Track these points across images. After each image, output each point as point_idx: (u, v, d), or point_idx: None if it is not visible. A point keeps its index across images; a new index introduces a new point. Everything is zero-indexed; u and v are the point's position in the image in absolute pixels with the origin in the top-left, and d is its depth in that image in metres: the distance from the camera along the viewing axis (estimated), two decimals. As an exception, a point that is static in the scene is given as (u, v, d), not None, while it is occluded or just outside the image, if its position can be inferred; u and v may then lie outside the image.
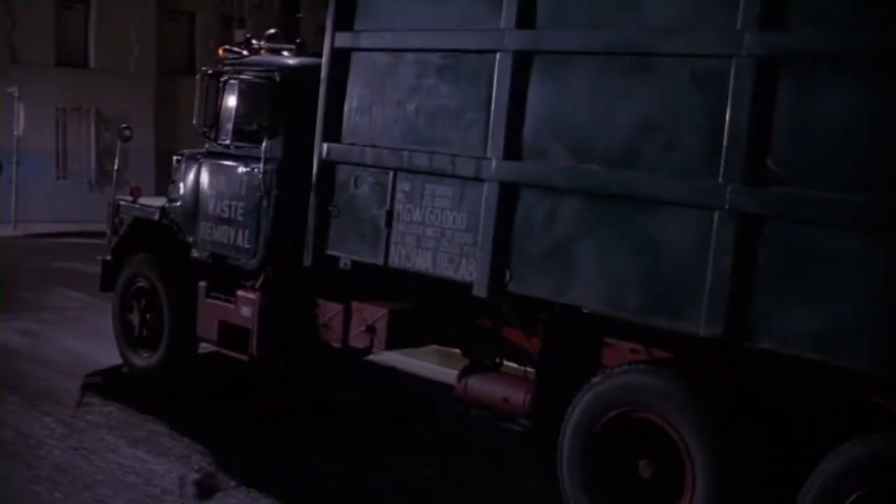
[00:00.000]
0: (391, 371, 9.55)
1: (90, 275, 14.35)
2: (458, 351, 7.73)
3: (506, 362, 7.09)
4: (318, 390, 8.85)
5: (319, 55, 7.92)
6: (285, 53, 8.21)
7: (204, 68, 8.02)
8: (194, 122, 7.99)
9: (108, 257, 9.08)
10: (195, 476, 6.53)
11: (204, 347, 8.56)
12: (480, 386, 6.75)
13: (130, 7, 22.79)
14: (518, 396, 6.51)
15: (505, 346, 6.86)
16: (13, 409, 7.69)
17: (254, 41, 8.26)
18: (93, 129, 22.84)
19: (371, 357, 8.52)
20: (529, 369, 6.82)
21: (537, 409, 6.34)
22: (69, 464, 6.61)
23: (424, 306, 7.13)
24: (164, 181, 16.84)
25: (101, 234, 18.87)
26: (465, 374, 6.90)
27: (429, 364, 9.49)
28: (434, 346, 8.35)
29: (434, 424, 8.19)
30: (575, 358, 6.27)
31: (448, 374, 9.11)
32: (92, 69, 22.80)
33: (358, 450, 7.33)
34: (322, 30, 7.76)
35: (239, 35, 25.66)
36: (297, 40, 8.06)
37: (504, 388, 6.61)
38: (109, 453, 6.86)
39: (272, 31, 8.38)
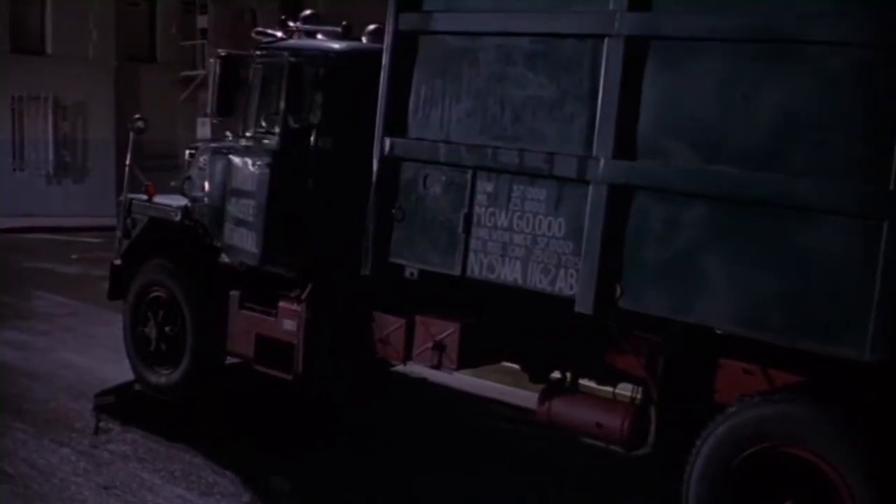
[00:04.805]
0: (423, 383, 8.81)
1: (70, 276, 13.49)
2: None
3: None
4: (351, 405, 8.06)
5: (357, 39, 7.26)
6: (319, 37, 7.41)
7: (219, 50, 7.25)
8: (208, 111, 7.15)
9: (118, 262, 8.11)
10: (253, 519, 5.76)
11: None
12: (569, 409, 6.08)
13: (88, -9, 21.81)
14: (614, 422, 5.85)
15: (591, 365, 6.19)
16: (23, 439, 6.79)
17: (290, 23, 7.42)
18: (50, 118, 21.95)
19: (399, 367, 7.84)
20: (617, 391, 6.21)
21: (657, 439, 5.68)
22: (104, 507, 5.79)
23: (497, 320, 6.40)
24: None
25: (64, 230, 18.18)
26: (547, 395, 6.21)
27: (464, 376, 8.78)
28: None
29: (477, 441, 7.52)
30: (687, 381, 5.61)
31: (484, 386, 8.52)
32: (49, 56, 21.82)
33: (406, 473, 6.66)
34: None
35: (201, 21, 24.81)
36: (344, 22, 7.24)
37: (598, 413, 5.94)
38: (146, 492, 6.02)
39: (308, 12, 7.53)
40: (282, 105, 6.79)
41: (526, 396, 7.87)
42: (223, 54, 7.30)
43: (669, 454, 5.48)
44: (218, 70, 7.15)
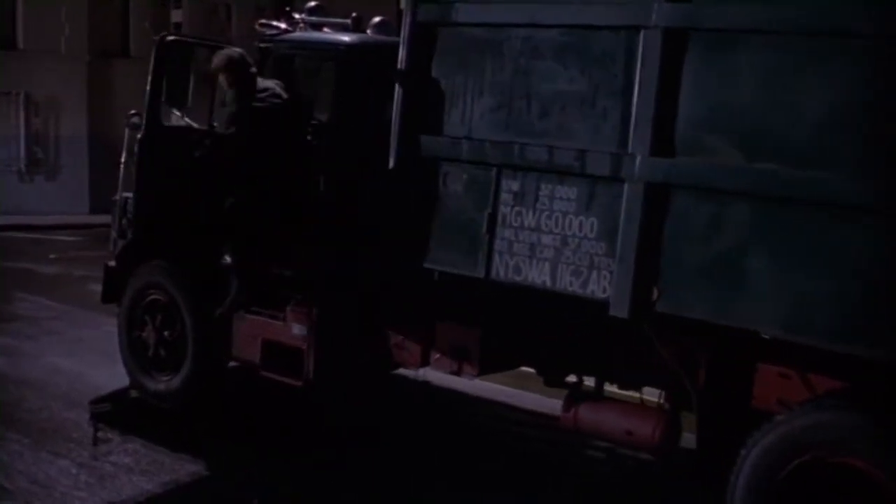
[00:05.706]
0: (426, 386, 8.56)
1: (50, 276, 13.05)
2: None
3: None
4: (353, 407, 7.78)
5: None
6: (326, 30, 7.14)
7: (166, 35, 7.04)
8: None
9: (113, 264, 7.76)
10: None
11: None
12: (597, 416, 5.87)
13: (60, -16, 21.27)
14: (645, 429, 5.64)
15: (620, 370, 5.98)
16: (18, 451, 6.45)
17: (295, 14, 7.13)
18: (22, 114, 21.34)
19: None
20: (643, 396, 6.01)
21: (699, 446, 5.48)
22: (112, 524, 5.49)
23: (517, 324, 6.17)
24: (99, 168, 15.19)
25: (39, 228, 17.68)
26: (573, 402, 5.99)
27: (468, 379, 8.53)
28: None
29: (477, 441, 7.29)
30: (724, 386, 5.42)
31: (489, 389, 8.28)
32: (21, 50, 21.22)
33: (407, 475, 6.45)
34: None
35: (176, 15, 24.36)
36: (353, 14, 6.96)
37: (628, 420, 5.73)
38: (154, 506, 5.75)
39: (313, 3, 7.24)
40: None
41: (534, 400, 7.69)
42: (171, 39, 7.10)
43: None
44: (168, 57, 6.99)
